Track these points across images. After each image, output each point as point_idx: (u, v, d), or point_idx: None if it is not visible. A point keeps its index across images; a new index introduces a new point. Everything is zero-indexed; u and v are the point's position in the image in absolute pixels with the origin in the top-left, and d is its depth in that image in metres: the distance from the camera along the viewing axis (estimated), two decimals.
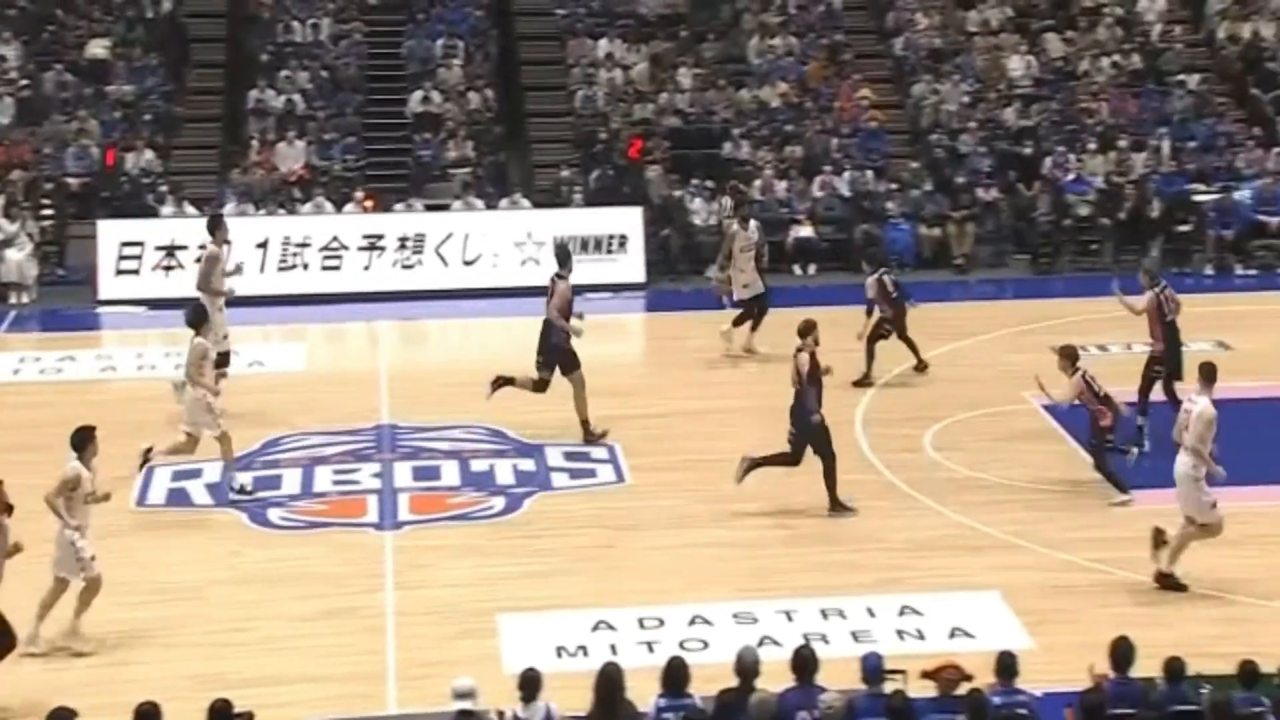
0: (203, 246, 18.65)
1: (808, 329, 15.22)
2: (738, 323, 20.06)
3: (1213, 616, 13.22)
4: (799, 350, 15.19)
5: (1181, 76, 27.15)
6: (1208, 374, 13.79)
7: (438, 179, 25.47)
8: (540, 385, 17.07)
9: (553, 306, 16.99)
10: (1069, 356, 15.55)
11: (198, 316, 16.32)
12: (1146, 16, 28.68)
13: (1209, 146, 25.75)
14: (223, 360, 17.48)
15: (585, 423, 17.12)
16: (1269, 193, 24.16)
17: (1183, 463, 13.51)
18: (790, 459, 15.20)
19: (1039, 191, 24.64)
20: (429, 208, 24.57)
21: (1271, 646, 11.90)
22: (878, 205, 24.95)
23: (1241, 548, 14.63)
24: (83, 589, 12.66)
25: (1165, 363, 16.59)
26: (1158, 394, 16.83)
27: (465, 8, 28.19)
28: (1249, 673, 10.05)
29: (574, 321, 16.97)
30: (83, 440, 12.75)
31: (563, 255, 17.32)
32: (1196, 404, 13.56)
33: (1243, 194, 24.37)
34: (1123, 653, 10.38)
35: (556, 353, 16.91)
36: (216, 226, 18.36)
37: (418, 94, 26.72)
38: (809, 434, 15.07)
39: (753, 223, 20.47)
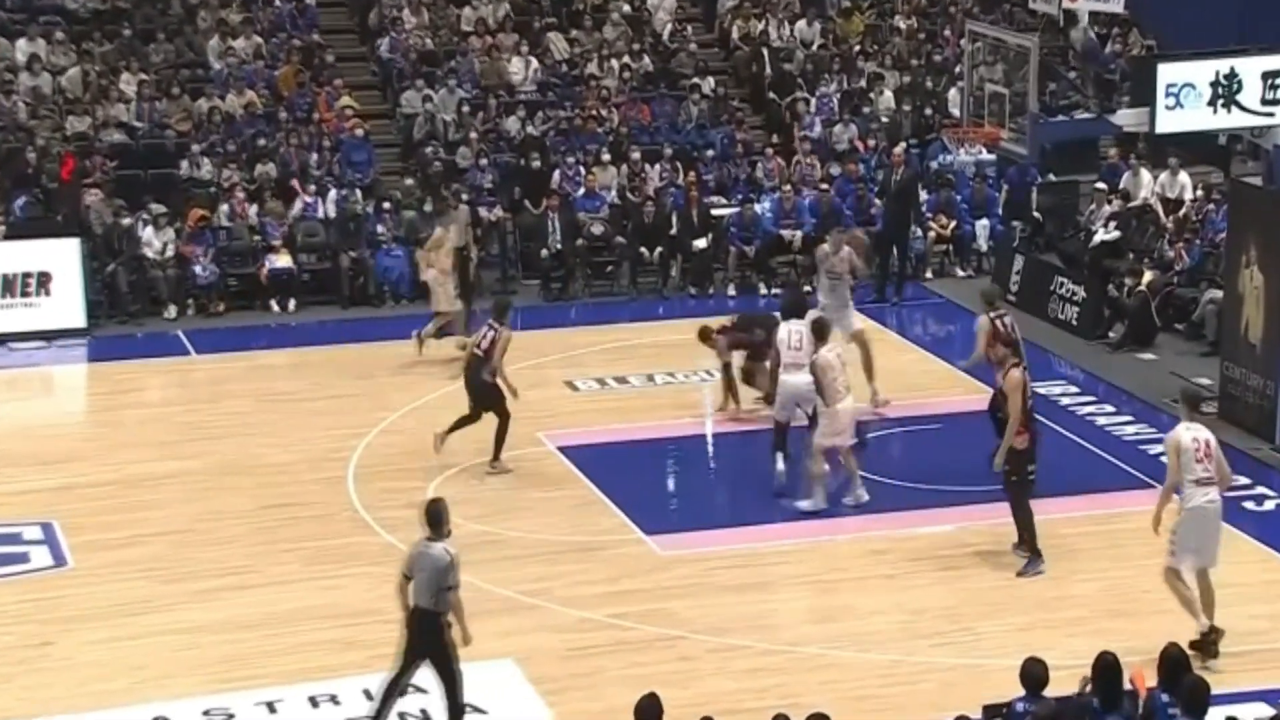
0: None
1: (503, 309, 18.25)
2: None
3: (740, 669, 13.80)
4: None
5: (696, 80, 28.37)
6: None
7: None
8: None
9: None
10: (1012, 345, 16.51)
11: None
12: (657, 14, 29.87)
13: (727, 156, 27.00)
14: None
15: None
16: (789, 204, 25.47)
17: None
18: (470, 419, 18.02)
19: (548, 209, 25.17)
20: None
21: (805, 695, 12.54)
22: (367, 229, 24.92)
23: (758, 591, 15.41)
24: None
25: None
26: None
27: None
28: None
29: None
30: None
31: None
32: None
33: (763, 206, 25.62)
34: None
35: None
36: None
37: None
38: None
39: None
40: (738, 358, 19.39)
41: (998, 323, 17.68)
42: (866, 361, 19.57)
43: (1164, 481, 14.05)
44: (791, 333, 17.48)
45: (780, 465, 17.21)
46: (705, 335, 19.56)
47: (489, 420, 18.01)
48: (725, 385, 19.44)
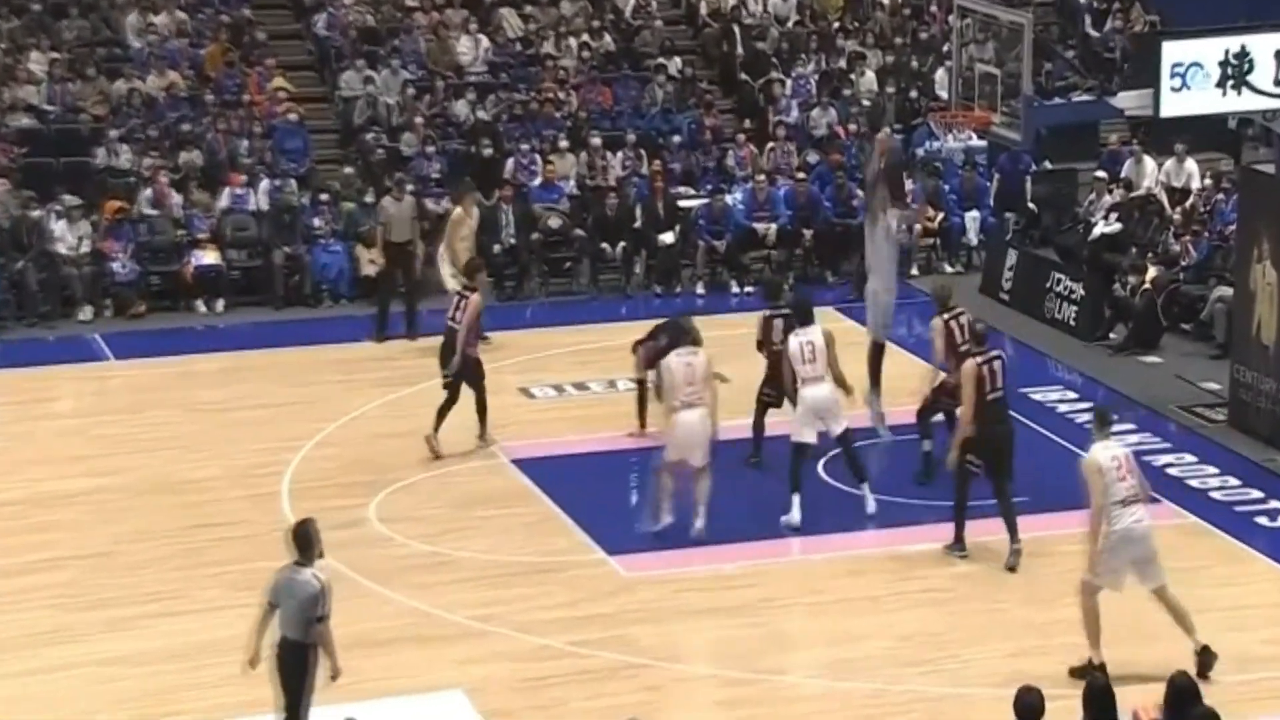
0: None
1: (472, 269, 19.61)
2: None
3: (712, 700, 13.85)
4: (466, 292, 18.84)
5: (661, 60, 28.44)
6: None
7: None
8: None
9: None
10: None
11: None
12: None
13: (695, 142, 27.07)
14: None
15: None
16: (763, 195, 25.56)
17: None
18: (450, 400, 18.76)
19: (501, 200, 25.21)
20: None
21: None
22: (302, 222, 24.92)
23: (730, 616, 15.42)
24: None
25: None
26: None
27: None
28: None
29: None
30: None
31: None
32: None
33: (734, 197, 25.70)
34: None
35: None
36: None
37: None
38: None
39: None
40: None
41: (952, 324, 17.46)
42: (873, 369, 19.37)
43: (1089, 507, 13.90)
44: (803, 344, 16.96)
45: (796, 512, 16.86)
46: (634, 349, 19.49)
47: (468, 415, 18.26)
48: (638, 404, 19.37)
